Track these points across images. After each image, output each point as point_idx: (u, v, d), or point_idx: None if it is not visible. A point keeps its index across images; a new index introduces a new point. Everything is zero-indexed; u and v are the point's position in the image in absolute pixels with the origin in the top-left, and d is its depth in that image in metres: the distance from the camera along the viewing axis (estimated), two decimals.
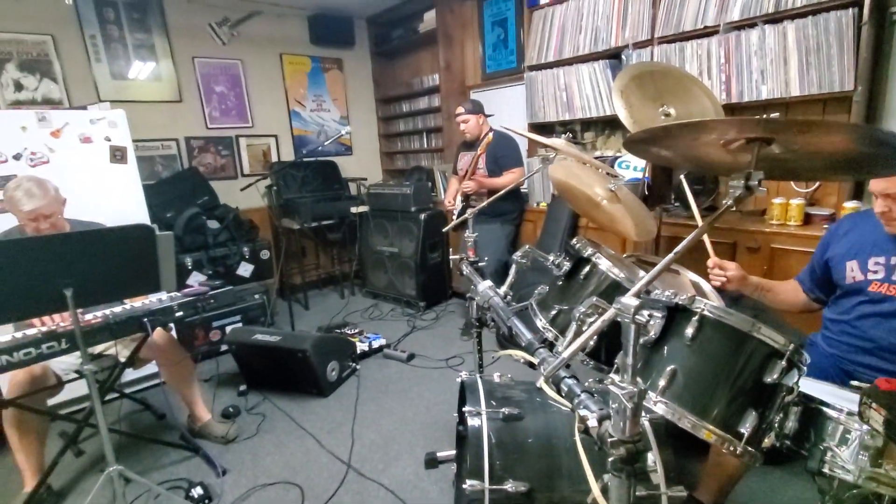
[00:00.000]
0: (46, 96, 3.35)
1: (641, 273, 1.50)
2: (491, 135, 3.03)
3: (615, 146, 3.29)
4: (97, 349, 2.14)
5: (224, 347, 3.22)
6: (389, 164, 5.32)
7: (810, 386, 1.12)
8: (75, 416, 2.07)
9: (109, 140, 2.73)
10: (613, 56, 2.94)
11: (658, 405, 0.99)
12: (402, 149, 5.13)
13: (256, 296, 3.49)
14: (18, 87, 3.25)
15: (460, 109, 3.23)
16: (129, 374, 2.60)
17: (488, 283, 1.57)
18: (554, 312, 1.42)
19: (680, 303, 1.06)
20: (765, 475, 1.84)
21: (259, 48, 4.29)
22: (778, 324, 2.07)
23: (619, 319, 0.73)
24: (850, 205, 2.10)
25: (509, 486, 1.19)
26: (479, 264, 1.87)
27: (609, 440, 0.73)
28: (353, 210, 4.28)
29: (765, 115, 0.71)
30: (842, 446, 0.96)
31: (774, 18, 2.25)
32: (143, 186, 2.89)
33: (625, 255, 1.97)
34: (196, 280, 3.39)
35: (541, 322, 1.43)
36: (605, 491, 0.80)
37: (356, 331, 3.45)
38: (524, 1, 3.45)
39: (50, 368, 1.99)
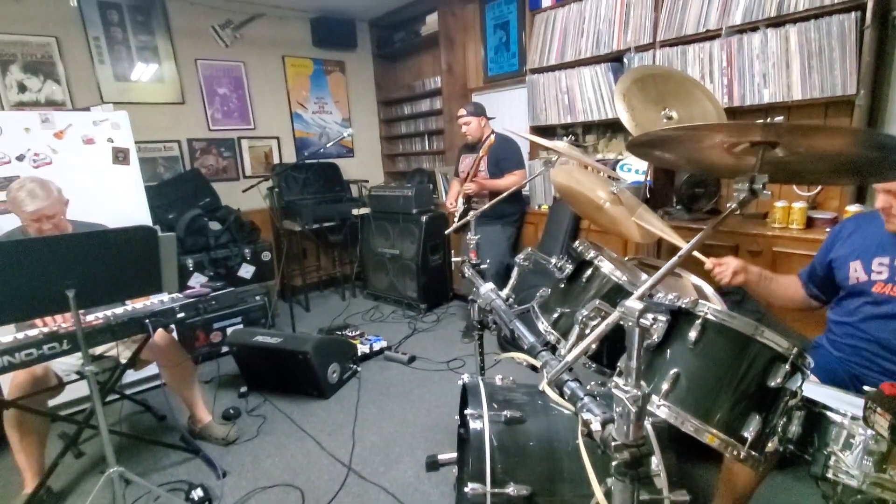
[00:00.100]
0: (50, 98, 3.36)
1: (644, 276, 1.50)
2: (493, 137, 3.03)
3: (617, 149, 3.29)
4: (98, 350, 2.14)
5: (225, 349, 3.23)
6: (391, 166, 5.32)
7: (814, 390, 1.11)
8: (76, 417, 2.07)
9: (112, 141, 2.74)
10: (615, 59, 2.95)
11: (661, 409, 0.99)
12: (404, 151, 5.14)
13: (257, 297, 3.49)
14: (22, 88, 3.26)
15: (462, 112, 3.23)
16: (130, 376, 2.60)
17: (490, 285, 1.57)
18: (556, 315, 1.42)
19: (683, 306, 1.05)
20: (767, 479, 1.83)
21: (261, 50, 4.30)
22: (781, 327, 2.07)
23: (622, 323, 0.73)
24: (852, 208, 2.10)
25: (511, 489, 1.19)
26: (481, 266, 1.87)
27: (613, 444, 0.73)
28: (355, 212, 4.28)
29: (769, 120, 0.71)
30: (846, 451, 0.95)
31: (777, 22, 2.25)
32: (145, 188, 2.89)
33: (626, 258, 1.97)
34: (197, 281, 3.39)
35: (543, 325, 1.43)
36: (608, 495, 0.79)
37: (357, 333, 3.45)
38: (526, 4, 3.45)
39: (51, 369, 1.99)
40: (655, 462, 0.88)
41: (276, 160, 4.52)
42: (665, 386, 1.00)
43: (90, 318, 1.83)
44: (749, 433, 0.94)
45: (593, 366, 1.41)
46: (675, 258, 0.79)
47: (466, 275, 1.80)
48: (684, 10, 2.57)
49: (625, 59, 2.84)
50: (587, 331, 1.09)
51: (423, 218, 3.92)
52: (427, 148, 4.82)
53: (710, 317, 1.02)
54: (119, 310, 1.95)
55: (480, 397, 1.33)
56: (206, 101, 4.06)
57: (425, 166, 4.83)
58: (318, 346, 2.65)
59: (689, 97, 1.91)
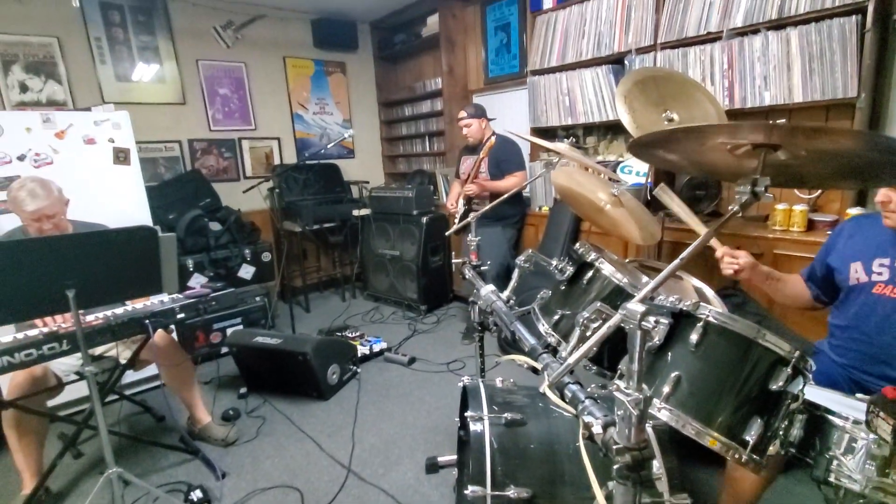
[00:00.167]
0: (51, 98, 3.36)
1: (645, 278, 1.49)
2: (494, 139, 3.03)
3: (617, 151, 3.29)
4: (97, 350, 2.14)
5: (224, 350, 3.22)
6: (391, 167, 5.32)
7: (815, 393, 1.11)
8: (75, 417, 2.07)
9: (113, 141, 2.74)
10: (616, 61, 2.95)
11: (662, 412, 0.98)
12: (405, 152, 5.14)
13: (257, 298, 3.49)
14: (24, 88, 3.27)
15: (462, 114, 3.23)
16: (129, 376, 2.60)
17: (491, 287, 1.57)
18: (557, 317, 1.41)
19: (684, 309, 1.05)
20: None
21: (263, 51, 4.30)
22: (782, 330, 2.07)
23: (624, 325, 0.72)
24: (853, 211, 2.10)
25: (511, 492, 1.18)
26: (482, 268, 1.87)
27: (614, 447, 0.72)
28: (355, 213, 4.28)
29: (772, 122, 0.71)
30: (848, 455, 0.95)
31: (777, 25, 2.26)
32: (145, 188, 2.89)
33: (627, 260, 1.96)
34: (197, 282, 3.39)
35: (543, 327, 1.43)
36: (609, 498, 0.79)
37: (357, 334, 3.45)
38: (527, 6, 3.45)
39: (50, 370, 1.99)
40: (657, 465, 0.88)
41: (276, 161, 4.52)
42: (666, 389, 0.99)
43: (90, 318, 1.83)
44: (751, 437, 0.93)
45: (594, 368, 1.41)
46: (677, 261, 0.79)
47: (467, 276, 1.80)
48: (685, 12, 2.57)
49: (626, 61, 2.84)
50: (588, 333, 1.08)
51: (424, 219, 3.91)
52: (427, 149, 4.83)
53: (711, 319, 1.01)
54: (119, 310, 1.95)
55: (481, 399, 1.33)
56: (207, 101, 4.07)
57: (426, 167, 4.83)
58: (317, 348, 2.65)
59: (689, 99, 1.91)
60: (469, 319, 3.35)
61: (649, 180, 2.62)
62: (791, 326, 2.13)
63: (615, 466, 0.74)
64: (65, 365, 2.03)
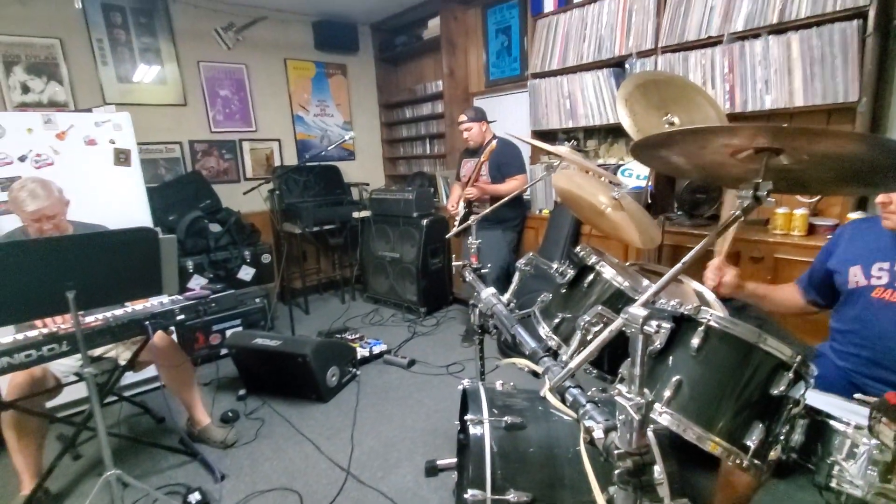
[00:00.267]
0: (52, 99, 3.37)
1: (646, 282, 1.49)
2: (495, 142, 3.03)
3: (618, 154, 3.29)
4: (97, 352, 2.13)
5: (224, 351, 3.22)
6: (392, 169, 5.33)
7: (817, 398, 1.10)
8: (74, 419, 2.07)
9: (114, 143, 2.74)
10: (617, 65, 2.95)
11: (663, 416, 0.98)
12: (405, 154, 5.14)
13: (257, 300, 3.49)
14: (25, 89, 3.27)
15: (463, 118, 3.23)
16: (129, 378, 2.59)
17: (491, 290, 1.56)
18: (557, 320, 1.41)
19: (685, 313, 1.05)
20: (769, 488, 1.82)
21: (264, 53, 4.31)
22: (783, 334, 2.06)
23: (626, 330, 0.72)
24: (853, 215, 2.10)
25: (511, 496, 1.18)
26: (482, 271, 1.87)
27: (616, 452, 0.72)
28: (355, 215, 4.28)
29: (775, 124, 0.71)
30: (850, 460, 0.94)
31: (778, 29, 2.26)
32: (146, 189, 2.89)
33: (627, 264, 1.96)
34: (197, 283, 3.38)
35: (544, 330, 1.43)
36: (610, 503, 0.79)
37: (357, 336, 3.45)
38: (528, 9, 3.46)
39: (49, 371, 1.98)
40: (658, 470, 0.88)
41: (277, 162, 4.52)
42: (667, 393, 0.99)
43: (89, 319, 1.83)
44: (752, 441, 0.93)
45: (594, 371, 1.41)
46: (678, 265, 0.79)
47: (468, 279, 1.79)
48: (686, 16, 2.58)
49: (626, 65, 2.85)
50: (589, 336, 1.08)
51: (424, 221, 3.91)
52: (428, 151, 4.83)
53: (712, 324, 1.01)
54: (119, 311, 1.95)
55: (481, 402, 1.32)
56: (208, 102, 4.07)
57: (426, 170, 4.83)
58: (317, 350, 2.64)
59: (690, 103, 1.91)
60: (469, 322, 3.34)
61: (650, 184, 2.62)
62: (792, 330, 2.13)
63: (616, 471, 0.73)
64: (64, 366, 2.02)
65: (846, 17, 2.07)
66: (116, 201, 2.74)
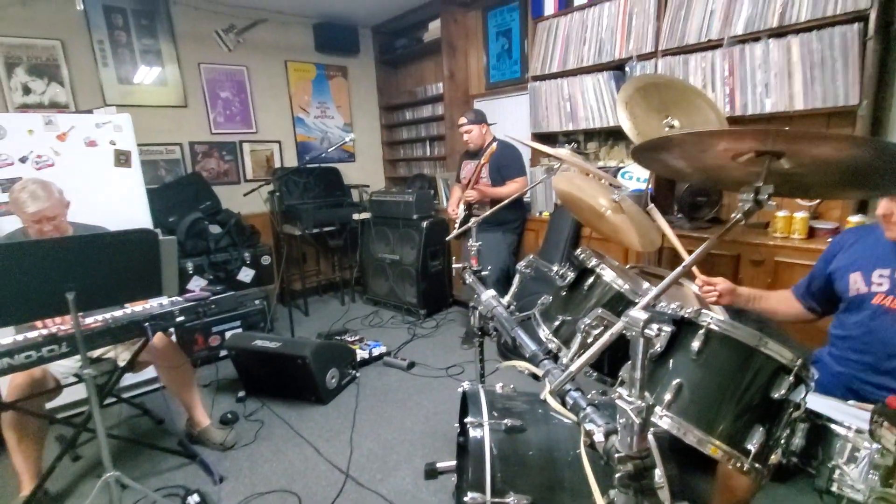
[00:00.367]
0: (53, 100, 3.37)
1: (646, 285, 1.49)
2: (495, 144, 3.03)
3: (618, 157, 3.29)
4: (96, 353, 2.13)
5: (223, 353, 3.21)
6: (392, 171, 5.33)
7: (817, 402, 1.10)
8: (73, 420, 2.06)
9: (114, 144, 2.74)
10: (617, 67, 2.96)
11: (663, 419, 0.98)
12: (405, 156, 5.15)
13: (257, 301, 3.47)
14: (27, 90, 3.27)
15: (463, 120, 3.24)
16: (128, 379, 2.59)
17: (491, 292, 1.57)
18: (557, 323, 1.41)
19: (686, 316, 1.05)
20: (769, 492, 1.82)
21: (264, 55, 4.31)
22: (783, 338, 2.06)
23: (626, 333, 0.72)
24: (854, 219, 2.10)
25: (511, 499, 1.17)
26: (482, 273, 1.87)
27: (616, 455, 0.72)
28: (355, 217, 4.28)
29: (776, 128, 0.71)
30: (851, 464, 0.94)
31: (779, 33, 2.26)
32: (146, 191, 2.89)
33: (628, 266, 1.96)
34: (197, 285, 3.38)
35: (544, 332, 1.43)
36: None
37: (356, 338, 3.44)
38: (529, 12, 3.47)
39: (49, 372, 1.98)
40: (658, 474, 0.87)
41: (277, 164, 4.52)
42: (668, 396, 0.99)
43: (89, 320, 1.83)
44: (752, 445, 0.93)
45: (594, 374, 1.41)
46: (679, 268, 0.79)
47: (468, 281, 1.79)
48: (686, 20, 2.58)
49: (627, 68, 2.85)
50: (589, 339, 1.08)
51: (424, 224, 3.91)
52: (428, 153, 4.83)
53: (713, 327, 1.01)
54: (118, 312, 1.95)
55: (481, 405, 1.32)
56: (209, 104, 4.07)
57: (426, 172, 4.83)
58: (316, 351, 2.64)
59: (691, 106, 1.91)
60: (468, 324, 3.34)
61: (650, 186, 2.62)
62: (792, 334, 2.12)
63: (617, 475, 0.73)
64: (63, 367, 2.02)
65: (847, 21, 2.07)
66: (117, 202, 2.74)
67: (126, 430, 2.55)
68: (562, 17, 3.22)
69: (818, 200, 2.41)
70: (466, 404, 1.37)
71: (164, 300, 2.06)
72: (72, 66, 3.41)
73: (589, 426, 0.81)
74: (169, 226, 3.43)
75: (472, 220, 1.96)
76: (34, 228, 1.97)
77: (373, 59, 5.04)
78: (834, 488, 0.96)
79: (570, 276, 1.46)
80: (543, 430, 1.31)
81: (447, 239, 2.35)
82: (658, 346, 1.04)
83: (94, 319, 1.84)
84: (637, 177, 2.87)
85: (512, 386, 1.50)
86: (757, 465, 0.94)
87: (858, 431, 0.95)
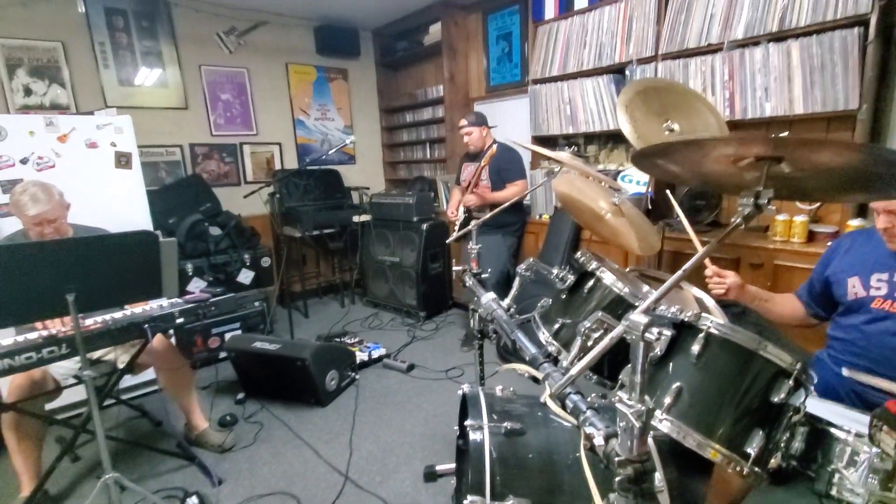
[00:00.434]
0: (54, 101, 3.38)
1: (646, 288, 1.49)
2: (495, 147, 3.03)
3: (618, 160, 3.30)
4: (95, 354, 2.13)
5: (223, 355, 3.21)
6: (392, 173, 5.33)
7: (817, 406, 1.10)
8: (73, 421, 2.06)
9: (115, 146, 2.75)
10: (617, 71, 2.96)
11: (663, 423, 0.98)
12: (405, 159, 5.15)
13: (256, 303, 3.48)
14: (28, 92, 3.28)
15: (463, 122, 3.24)
16: (127, 381, 2.59)
17: (491, 295, 1.57)
18: (557, 326, 1.41)
19: (686, 319, 1.05)
20: (768, 496, 1.81)
21: (265, 57, 4.32)
22: (782, 341, 2.06)
23: (626, 336, 0.72)
24: (854, 223, 2.10)
25: (511, 502, 1.17)
26: (482, 276, 1.87)
27: (616, 459, 0.72)
28: (355, 219, 4.28)
29: (776, 135, 0.71)
30: (850, 468, 0.94)
31: (779, 37, 2.27)
32: (146, 192, 2.90)
33: (627, 269, 1.96)
34: (196, 286, 3.38)
35: (544, 335, 1.42)
36: None
37: (356, 340, 3.44)
38: (529, 15, 3.48)
39: (49, 373, 1.98)
40: (658, 478, 0.88)
41: (277, 166, 4.52)
42: (667, 400, 0.99)
43: (89, 322, 1.83)
44: (752, 449, 0.93)
45: (594, 377, 1.41)
46: (680, 272, 0.79)
47: (468, 284, 1.79)
48: (686, 23, 2.59)
49: (627, 72, 2.86)
50: (589, 343, 1.08)
51: (424, 226, 3.92)
52: (428, 156, 4.84)
53: (713, 330, 1.01)
54: (118, 314, 1.95)
55: (480, 408, 1.32)
56: (210, 106, 4.08)
57: (426, 174, 4.84)
58: (316, 353, 2.64)
59: (691, 110, 1.92)
60: (468, 326, 3.34)
61: (650, 190, 2.63)
62: (791, 337, 2.13)
63: (617, 478, 0.73)
64: (63, 368, 2.02)
65: (847, 25, 2.08)
66: (117, 204, 2.74)
67: (124, 431, 2.55)
68: (562, 20, 3.23)
69: (818, 204, 2.42)
70: (466, 407, 1.37)
71: (164, 302, 2.06)
72: (73, 67, 3.42)
73: (589, 430, 0.81)
74: (169, 227, 3.43)
75: (472, 222, 1.96)
76: (34, 231, 1.97)
77: (373, 61, 5.05)
78: (833, 492, 0.96)
79: (570, 279, 1.46)
80: (543, 434, 1.31)
81: (447, 241, 2.35)
82: (658, 350, 1.04)
83: (93, 321, 1.84)
84: (637, 180, 2.88)
85: (512, 389, 1.49)
86: (756, 468, 0.94)
87: (858, 435, 0.96)
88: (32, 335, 1.71)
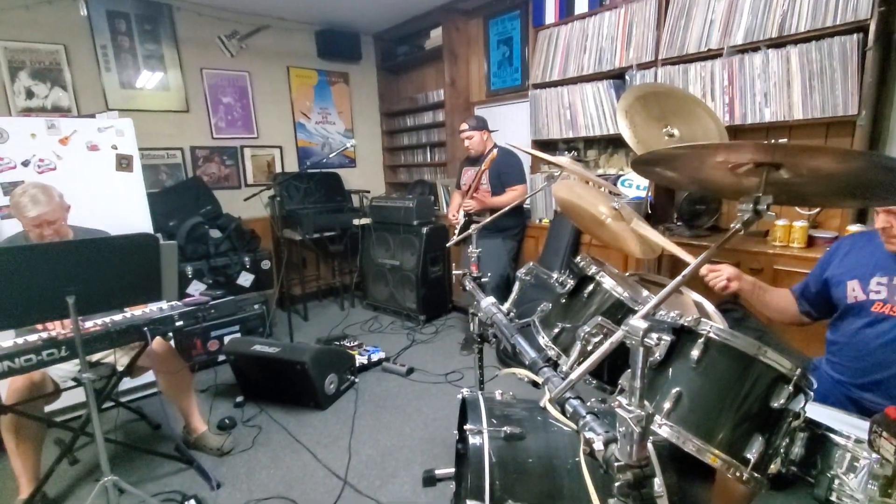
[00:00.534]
0: (56, 104, 3.39)
1: (645, 292, 1.49)
2: (495, 151, 3.05)
3: (618, 164, 3.31)
4: (95, 357, 2.12)
5: (222, 358, 3.21)
6: (393, 177, 5.34)
7: (817, 411, 1.10)
8: (71, 423, 2.06)
9: (116, 148, 2.75)
10: (617, 76, 2.97)
11: (663, 428, 0.98)
12: (406, 162, 5.16)
13: (256, 306, 3.48)
14: (30, 94, 3.29)
15: (464, 126, 3.25)
16: (126, 383, 2.58)
17: (491, 299, 1.57)
18: (557, 330, 1.41)
19: (685, 324, 1.05)
20: (767, 501, 1.81)
21: (267, 61, 4.34)
22: (782, 346, 2.06)
23: (626, 341, 0.72)
24: (853, 228, 2.10)
25: None
26: (482, 280, 1.87)
27: (616, 464, 0.72)
28: (356, 222, 4.29)
29: (774, 141, 0.72)
30: (850, 474, 0.94)
31: (778, 43, 2.28)
32: (147, 194, 2.90)
33: (627, 274, 1.97)
34: (196, 289, 3.38)
35: (543, 339, 1.43)
36: None
37: (355, 343, 3.44)
38: (530, 21, 3.50)
39: (48, 375, 1.98)
40: (658, 483, 0.88)
41: (278, 169, 4.53)
42: (667, 405, 0.99)
43: (88, 324, 1.83)
44: (752, 454, 0.93)
45: (594, 382, 1.41)
46: (679, 277, 0.79)
47: (468, 288, 1.80)
48: (686, 29, 2.60)
49: (627, 77, 2.87)
50: (589, 347, 1.08)
51: (424, 229, 3.92)
52: (429, 160, 4.85)
53: (712, 335, 1.01)
54: (118, 317, 1.95)
55: (480, 412, 1.32)
56: (211, 109, 4.09)
57: (427, 178, 4.84)
58: (315, 357, 2.63)
59: (690, 115, 1.93)
60: (468, 330, 3.34)
61: (649, 194, 2.64)
62: (791, 342, 2.13)
63: (616, 483, 0.73)
64: (62, 371, 2.02)
65: (846, 31, 2.09)
66: (118, 206, 2.74)
67: (123, 434, 2.54)
68: (562, 25, 3.24)
69: (817, 210, 2.42)
70: (465, 411, 1.36)
71: (164, 304, 2.06)
72: (75, 70, 3.43)
73: (588, 434, 0.81)
74: (169, 230, 3.43)
75: (473, 226, 1.97)
76: (34, 232, 1.97)
77: (374, 65, 5.07)
78: (833, 498, 0.95)
79: (570, 283, 1.47)
80: (543, 438, 1.30)
81: (447, 245, 2.35)
82: (658, 355, 1.04)
83: (93, 323, 1.84)
84: (637, 185, 2.89)
85: (511, 393, 1.49)
86: (756, 474, 0.94)
87: (858, 441, 0.95)
88: (32, 337, 1.71)
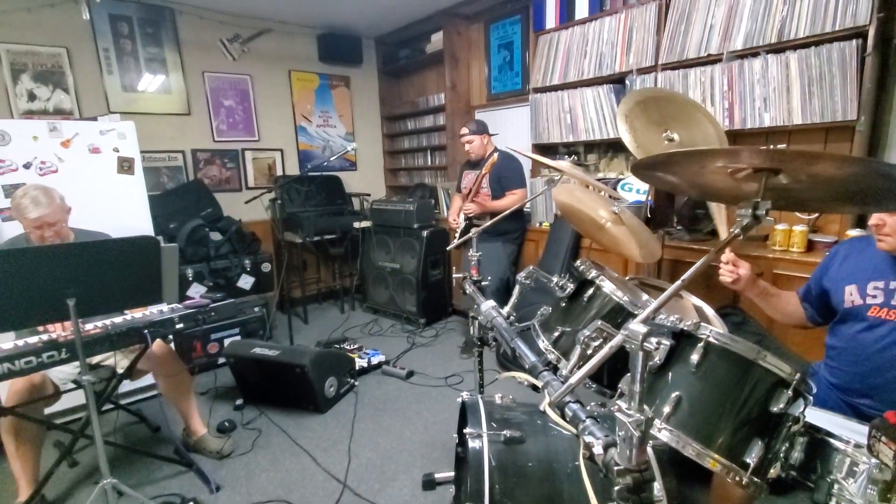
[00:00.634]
0: (58, 107, 3.40)
1: (645, 297, 1.50)
2: (496, 155, 3.05)
3: (618, 168, 3.32)
4: (95, 359, 2.13)
5: (222, 360, 3.20)
6: (393, 180, 5.35)
7: (816, 416, 1.10)
8: (71, 426, 2.06)
9: (118, 151, 2.76)
10: (617, 81, 2.99)
11: (662, 432, 0.98)
12: (406, 166, 5.17)
13: (256, 309, 3.48)
14: (32, 97, 3.30)
15: (464, 130, 3.26)
16: (126, 386, 2.57)
17: (491, 302, 1.57)
18: (557, 334, 1.42)
19: (685, 329, 1.05)
20: None
21: (268, 64, 4.36)
22: (781, 350, 2.06)
23: (626, 346, 0.72)
24: (853, 232, 2.11)
25: None
26: (482, 283, 1.87)
27: (615, 468, 0.72)
28: (356, 225, 4.29)
29: (773, 146, 0.72)
30: (849, 479, 0.94)
31: (777, 48, 2.29)
32: (148, 197, 2.90)
33: (627, 278, 1.97)
34: (196, 291, 3.38)
35: (543, 343, 1.43)
36: None
37: (355, 346, 3.44)
38: (530, 25, 3.51)
39: (48, 377, 1.98)
40: (657, 487, 0.88)
41: (279, 172, 4.54)
42: (667, 409, 0.99)
43: (89, 326, 1.83)
44: (751, 459, 0.93)
45: (593, 386, 1.41)
46: (679, 281, 0.79)
47: (468, 291, 1.80)
48: (686, 34, 2.61)
49: (627, 81, 2.88)
50: (589, 351, 1.08)
51: (424, 233, 3.93)
52: (429, 163, 4.86)
53: (712, 340, 1.02)
54: (118, 319, 1.95)
55: (480, 416, 1.32)
56: (212, 112, 4.10)
57: (427, 181, 4.86)
58: (315, 360, 2.63)
59: (690, 120, 1.93)
60: (468, 334, 3.34)
61: (649, 198, 2.64)
62: (791, 347, 2.13)
63: (616, 488, 0.73)
64: (62, 373, 2.02)
65: (845, 37, 2.09)
66: (119, 209, 2.75)
67: (122, 437, 2.54)
68: (563, 30, 3.26)
69: (817, 214, 2.43)
70: (465, 414, 1.36)
71: (164, 307, 2.06)
72: (77, 73, 3.44)
73: (588, 438, 0.81)
74: (170, 232, 3.44)
75: (473, 229, 1.97)
76: (35, 234, 1.98)
77: (375, 69, 5.08)
78: (833, 502, 0.95)
79: (570, 287, 1.47)
80: (542, 442, 1.30)
81: (448, 248, 2.35)
82: (657, 359, 1.04)
83: (93, 325, 1.84)
84: (637, 189, 2.89)
85: (511, 397, 1.50)
86: (755, 478, 0.94)
87: (857, 446, 0.96)
88: (32, 339, 1.71)
